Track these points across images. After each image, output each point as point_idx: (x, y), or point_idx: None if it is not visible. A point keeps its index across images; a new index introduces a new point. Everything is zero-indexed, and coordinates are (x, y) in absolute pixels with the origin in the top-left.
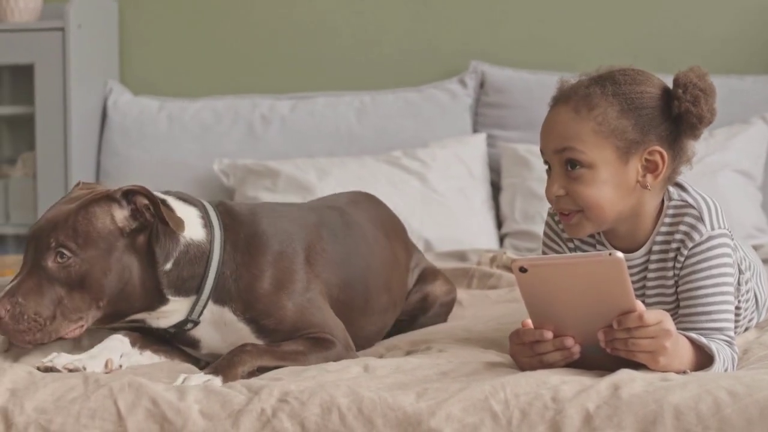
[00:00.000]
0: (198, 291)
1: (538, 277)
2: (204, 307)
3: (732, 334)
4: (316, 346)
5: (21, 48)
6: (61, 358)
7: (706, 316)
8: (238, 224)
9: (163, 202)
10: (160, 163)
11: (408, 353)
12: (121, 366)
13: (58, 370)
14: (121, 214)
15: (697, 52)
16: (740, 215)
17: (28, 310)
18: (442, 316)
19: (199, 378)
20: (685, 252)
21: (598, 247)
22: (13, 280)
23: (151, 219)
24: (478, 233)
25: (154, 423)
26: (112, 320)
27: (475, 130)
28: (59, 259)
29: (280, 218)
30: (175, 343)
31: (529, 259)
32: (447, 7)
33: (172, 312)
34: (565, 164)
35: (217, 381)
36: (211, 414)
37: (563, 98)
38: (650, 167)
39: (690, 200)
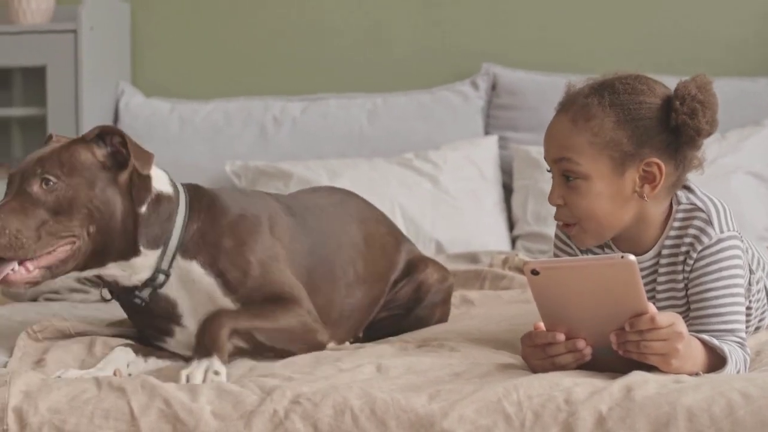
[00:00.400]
0: (166, 243)
1: (549, 280)
2: (173, 258)
3: (744, 335)
4: (282, 308)
5: (33, 50)
6: (70, 373)
7: (717, 318)
8: (202, 192)
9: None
10: (171, 164)
11: (419, 347)
12: (129, 375)
13: None
14: (100, 152)
15: (710, 54)
16: (753, 217)
17: (9, 225)
18: (440, 305)
19: (198, 368)
20: (695, 255)
21: (607, 250)
22: None
23: (126, 156)
24: (489, 235)
25: (166, 423)
26: (96, 262)
27: (487, 132)
28: (44, 186)
29: (242, 194)
30: (154, 325)
31: (541, 262)
32: (458, 9)
33: (142, 267)
34: (562, 174)
35: (215, 362)
36: (223, 414)
37: (565, 106)
38: (648, 178)
39: (699, 203)
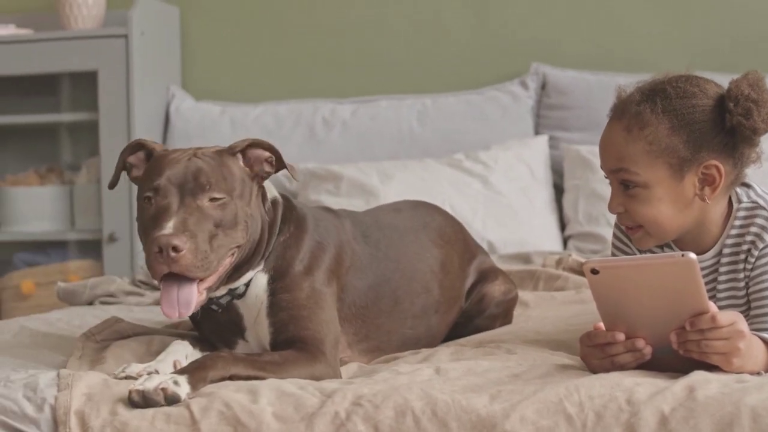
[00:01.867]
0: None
1: (609, 279)
2: (258, 270)
3: None
4: (299, 360)
5: (85, 55)
6: (132, 367)
7: None
8: (292, 206)
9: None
10: None
11: (475, 350)
12: None
13: (133, 378)
14: (242, 164)
15: (762, 51)
16: None
17: (200, 245)
18: (500, 317)
19: (165, 376)
20: (756, 253)
21: (666, 249)
22: (165, 220)
23: (268, 171)
24: (541, 235)
25: (227, 425)
26: (231, 274)
27: (537, 132)
28: (212, 201)
29: (321, 215)
30: (220, 333)
31: (601, 260)
32: (507, 10)
33: (235, 282)
34: (621, 183)
35: (182, 379)
36: (284, 417)
37: (617, 114)
38: (707, 180)
39: (760, 201)
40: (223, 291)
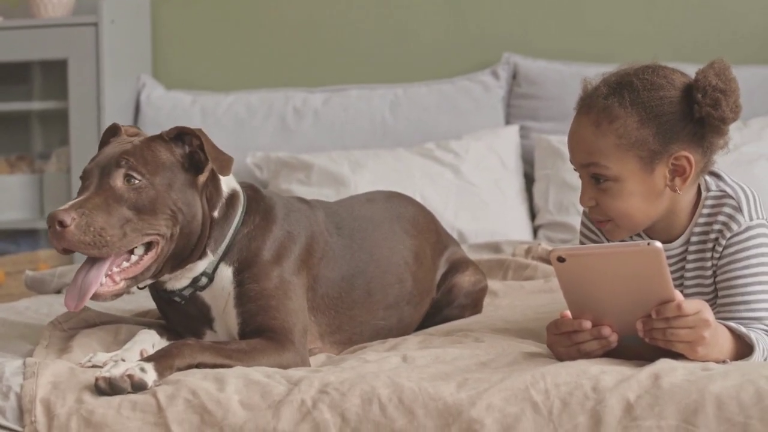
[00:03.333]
0: (217, 249)
1: (576, 267)
2: (219, 261)
3: None
4: (266, 348)
5: (54, 43)
6: (99, 356)
7: (744, 306)
8: (260, 196)
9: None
10: None
11: (443, 338)
12: None
13: (99, 367)
14: (178, 152)
15: (732, 41)
16: None
17: (94, 223)
18: (469, 308)
19: (131, 363)
20: (723, 242)
21: (635, 238)
22: (77, 198)
23: (204, 160)
24: (511, 225)
25: (194, 413)
26: (170, 267)
27: (508, 122)
28: (128, 182)
29: (292, 206)
30: (187, 324)
31: (568, 249)
32: (479, 0)
33: (198, 269)
34: (591, 177)
35: (149, 367)
36: (251, 404)
37: (585, 108)
38: (678, 171)
39: (728, 190)
40: (183, 282)
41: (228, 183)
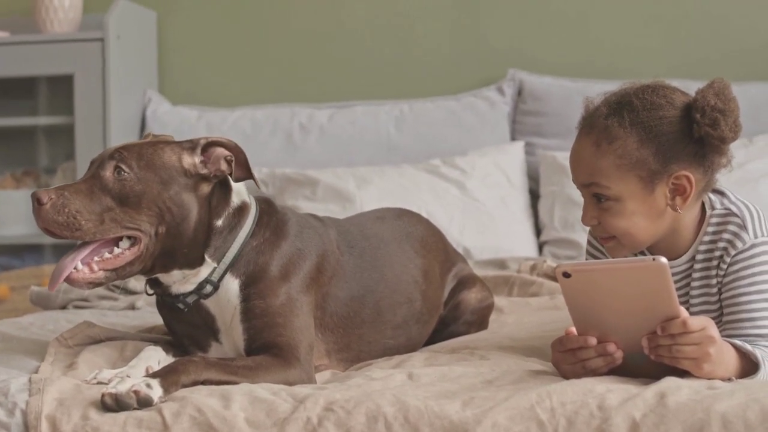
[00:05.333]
0: (224, 255)
1: (581, 283)
2: (225, 272)
3: None
4: (272, 365)
5: (61, 58)
6: (104, 373)
7: (750, 323)
8: (273, 211)
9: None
10: None
11: (449, 355)
12: None
13: (105, 384)
14: (190, 159)
15: (741, 57)
16: None
17: (70, 205)
18: (475, 324)
19: (137, 379)
20: (728, 259)
21: (639, 254)
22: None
23: (224, 171)
24: (517, 241)
25: (199, 431)
26: (162, 266)
27: (513, 138)
28: (116, 174)
29: (306, 223)
30: (192, 335)
31: (573, 264)
32: (485, 16)
33: (200, 276)
34: (593, 196)
35: (154, 383)
36: (256, 422)
37: (586, 128)
38: (678, 190)
39: (733, 208)
40: (189, 288)
41: (239, 194)
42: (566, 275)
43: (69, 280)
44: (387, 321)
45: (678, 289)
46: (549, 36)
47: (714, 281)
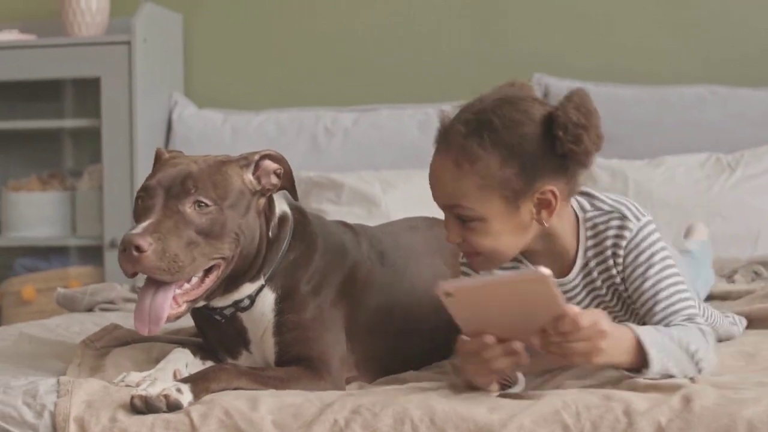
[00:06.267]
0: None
1: (465, 300)
2: (263, 285)
3: (693, 310)
4: (303, 376)
5: (87, 61)
6: (131, 376)
7: (661, 305)
8: (306, 221)
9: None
10: None
11: None
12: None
13: (132, 387)
14: (247, 177)
15: (759, 64)
16: None
17: (170, 249)
18: None
19: (168, 383)
20: (622, 252)
21: (519, 265)
22: (142, 221)
23: (274, 183)
24: None
25: None
26: (225, 289)
27: None
28: (197, 207)
29: (338, 233)
30: (224, 342)
31: (454, 282)
32: (510, 20)
33: (239, 293)
34: (457, 217)
35: (185, 388)
36: (283, 424)
37: (444, 145)
38: (543, 204)
39: (605, 207)
40: (227, 302)
41: (280, 204)
42: (448, 295)
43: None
44: (415, 332)
45: (586, 295)
46: (575, 40)
47: (618, 279)
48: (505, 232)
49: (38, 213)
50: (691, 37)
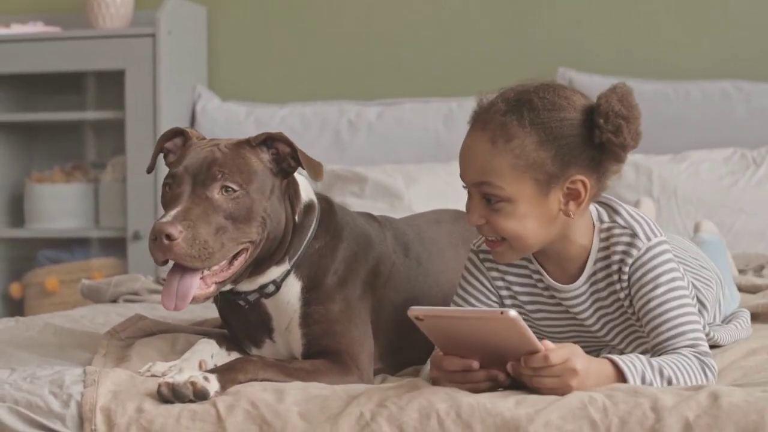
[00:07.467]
0: (294, 257)
1: (435, 326)
2: (288, 272)
3: (698, 334)
4: (331, 370)
5: (112, 54)
6: (157, 366)
7: (665, 326)
8: (333, 211)
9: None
10: None
11: None
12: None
13: (158, 377)
14: (265, 157)
15: None
16: None
17: (200, 236)
18: None
19: (196, 372)
20: (627, 269)
21: (534, 275)
22: (172, 208)
23: (293, 166)
24: None
25: (253, 424)
26: (252, 272)
27: None
28: (224, 192)
29: (364, 224)
30: (248, 331)
31: (424, 309)
32: (534, 14)
33: (265, 277)
34: (483, 196)
35: (212, 377)
36: (310, 416)
37: (480, 123)
38: (572, 195)
39: (620, 221)
40: (253, 286)
41: (306, 191)
42: (418, 319)
43: (194, 300)
44: None
45: (586, 309)
46: (599, 34)
47: (623, 294)
48: (531, 217)
49: (62, 205)
50: (716, 32)
